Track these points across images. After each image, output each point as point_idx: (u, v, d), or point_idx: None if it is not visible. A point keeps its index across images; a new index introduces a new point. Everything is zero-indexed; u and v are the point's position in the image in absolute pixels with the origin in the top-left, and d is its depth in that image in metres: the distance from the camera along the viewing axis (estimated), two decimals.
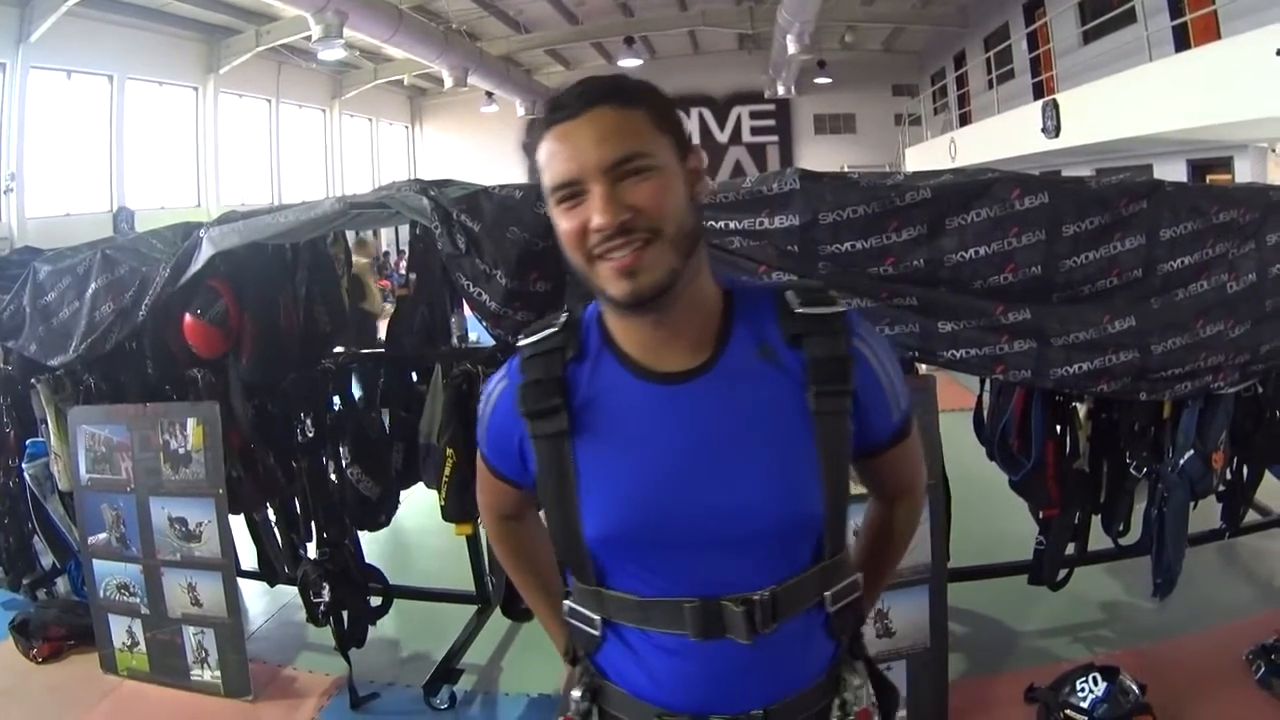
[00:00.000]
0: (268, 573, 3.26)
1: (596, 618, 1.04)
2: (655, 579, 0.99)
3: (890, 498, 1.22)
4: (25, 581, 3.77)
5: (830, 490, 0.99)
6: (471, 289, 2.39)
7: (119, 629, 3.18)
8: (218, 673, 3.01)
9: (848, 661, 1.08)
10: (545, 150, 0.95)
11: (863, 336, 1.03)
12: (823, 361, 0.99)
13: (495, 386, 1.07)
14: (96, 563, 3.18)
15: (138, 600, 3.11)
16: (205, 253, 2.73)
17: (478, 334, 3.23)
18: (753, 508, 0.97)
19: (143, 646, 3.14)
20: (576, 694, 1.07)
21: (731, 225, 2.34)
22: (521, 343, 1.05)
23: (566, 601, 1.08)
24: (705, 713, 1.01)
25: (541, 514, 1.14)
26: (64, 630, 3.40)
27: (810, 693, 1.04)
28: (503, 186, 2.42)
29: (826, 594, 1.03)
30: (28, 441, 3.55)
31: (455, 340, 3.13)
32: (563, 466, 0.99)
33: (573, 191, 0.93)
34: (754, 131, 22.51)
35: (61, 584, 3.78)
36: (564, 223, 0.95)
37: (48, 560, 3.75)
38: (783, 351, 1.00)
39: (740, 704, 1.00)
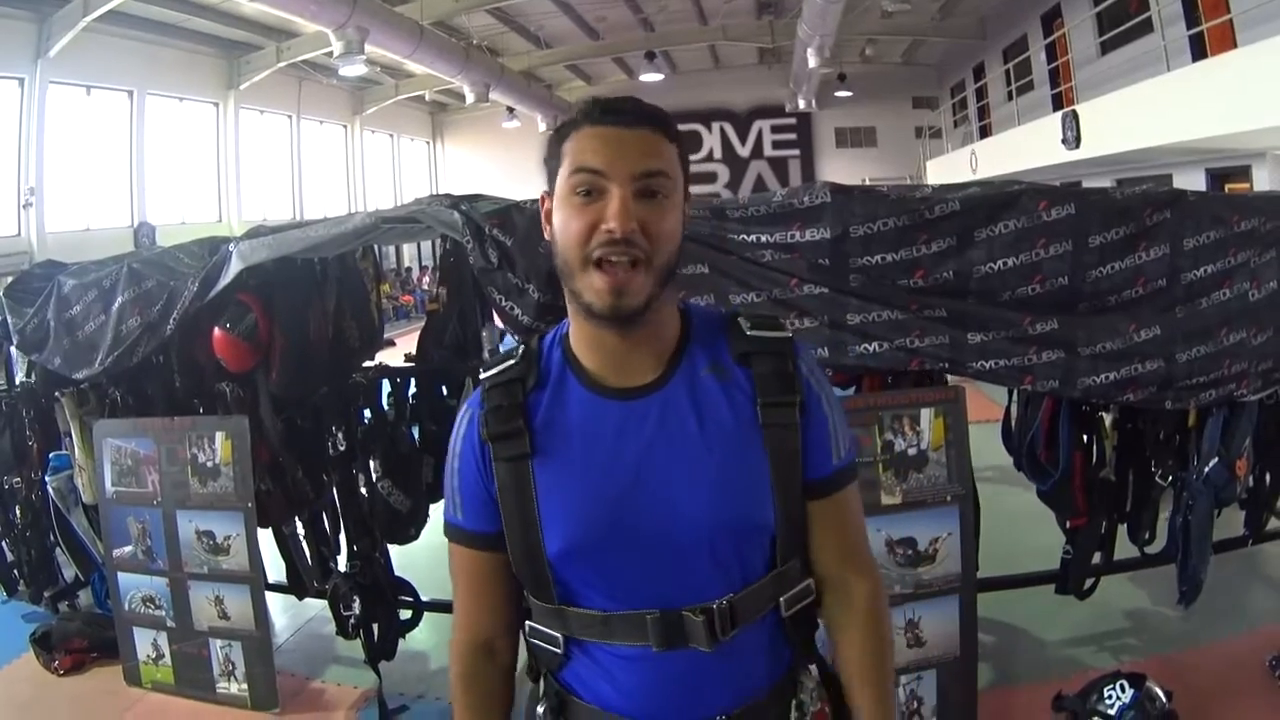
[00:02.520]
0: (296, 586, 3.26)
1: (559, 635, 1.06)
2: (616, 592, 1.02)
3: (837, 571, 1.11)
4: (47, 594, 3.78)
5: (781, 496, 1.04)
6: (504, 303, 2.41)
7: (144, 641, 3.19)
8: (244, 685, 3.01)
9: (802, 665, 1.12)
10: (582, 140, 1.00)
11: (807, 361, 1.10)
12: (770, 376, 1.05)
13: (462, 418, 1.11)
14: (121, 575, 3.19)
15: (163, 613, 3.12)
16: (234, 267, 2.74)
17: (508, 348, 3.24)
18: (705, 513, 1.00)
19: (168, 659, 3.15)
20: (541, 710, 1.10)
21: (763, 239, 2.36)
22: (483, 375, 1.10)
23: (528, 622, 1.11)
24: None
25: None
26: (86, 642, 3.41)
27: (769, 697, 1.07)
28: (533, 201, 2.44)
29: (781, 599, 1.07)
30: (51, 454, 3.55)
31: (486, 354, 3.13)
32: (523, 487, 1.03)
33: (591, 184, 0.98)
34: (775, 145, 22.37)
35: (84, 596, 3.79)
36: (574, 219, 0.98)
37: (69, 573, 3.76)
38: (732, 368, 1.06)
39: (703, 710, 1.04)
